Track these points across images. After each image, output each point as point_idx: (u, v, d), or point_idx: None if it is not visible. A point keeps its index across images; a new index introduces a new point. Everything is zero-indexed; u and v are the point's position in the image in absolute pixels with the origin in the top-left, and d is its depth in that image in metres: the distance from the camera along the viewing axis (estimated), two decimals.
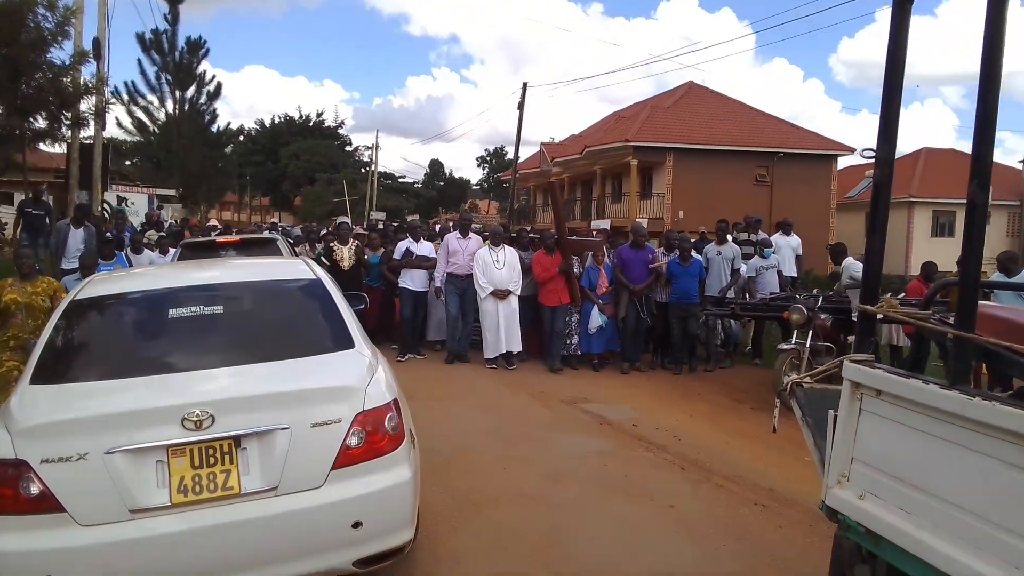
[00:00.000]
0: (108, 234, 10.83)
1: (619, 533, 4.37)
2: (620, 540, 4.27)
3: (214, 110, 32.49)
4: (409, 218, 42.16)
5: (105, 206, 18.33)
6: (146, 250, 10.58)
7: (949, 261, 9.92)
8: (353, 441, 3.04)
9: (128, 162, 33.17)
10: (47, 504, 2.69)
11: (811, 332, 7.99)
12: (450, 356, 9.55)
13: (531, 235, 11.71)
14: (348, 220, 12.06)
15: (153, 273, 4.96)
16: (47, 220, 11.49)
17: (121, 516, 2.75)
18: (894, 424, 2.47)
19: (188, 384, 3.08)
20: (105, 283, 3.97)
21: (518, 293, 9.30)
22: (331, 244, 10.22)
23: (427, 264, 9.76)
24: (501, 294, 9.18)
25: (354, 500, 3.02)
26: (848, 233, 25.51)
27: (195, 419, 2.83)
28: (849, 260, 8.66)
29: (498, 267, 9.21)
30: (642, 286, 9.38)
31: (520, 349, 9.38)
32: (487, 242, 9.63)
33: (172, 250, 10.34)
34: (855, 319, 8.13)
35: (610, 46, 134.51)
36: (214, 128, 33.91)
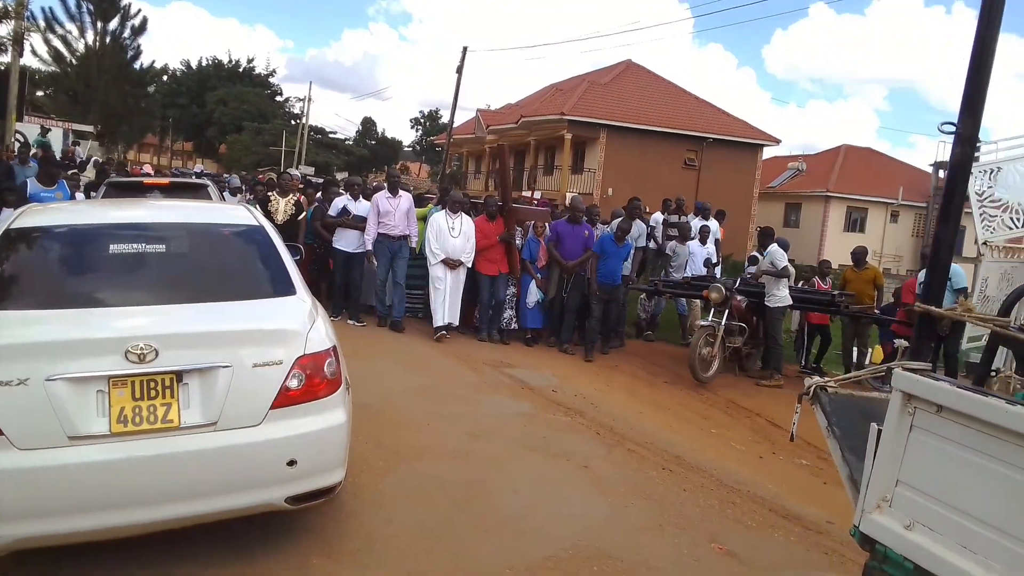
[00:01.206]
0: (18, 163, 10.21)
1: (537, 488, 4.61)
2: (538, 494, 4.51)
3: (138, 46, 31.25)
4: (339, 175, 41.50)
5: (18, 136, 17.47)
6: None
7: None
8: (293, 383, 3.15)
9: (41, 93, 31.51)
10: None
11: (727, 312, 8.41)
12: (381, 320, 9.23)
13: (475, 201, 11.32)
14: (296, 172, 11.37)
15: (91, 208, 4.88)
16: None
17: (60, 442, 2.79)
18: (959, 447, 2.19)
19: (133, 318, 3.13)
20: (42, 214, 3.92)
21: (469, 264, 8.94)
22: (268, 194, 9.65)
23: (362, 225, 9.15)
24: (452, 263, 8.81)
25: (290, 439, 3.14)
26: (766, 221, 26.52)
27: (139, 352, 2.88)
28: (774, 246, 9.00)
29: (453, 235, 8.81)
30: (575, 262, 9.12)
31: (457, 322, 9.11)
32: (444, 208, 9.23)
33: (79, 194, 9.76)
34: (767, 304, 8.66)
35: (553, 17, 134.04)
36: (137, 65, 32.58)
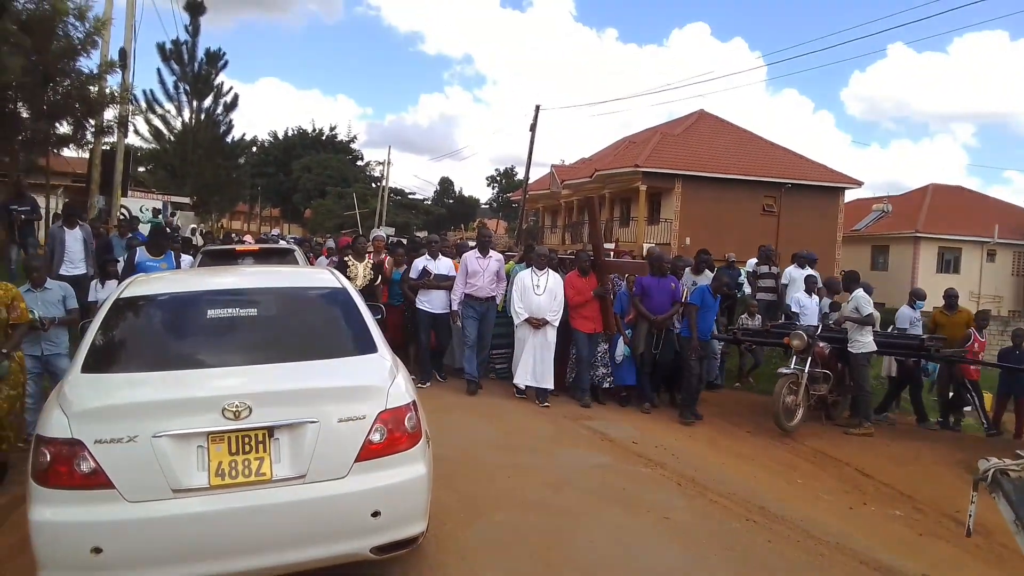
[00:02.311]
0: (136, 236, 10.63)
1: (616, 539, 4.60)
2: (617, 545, 4.51)
3: (230, 121, 32.97)
4: (418, 234, 42.56)
5: (123, 211, 18.69)
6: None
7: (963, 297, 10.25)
8: (376, 437, 3.31)
9: (142, 168, 33.64)
10: (98, 480, 2.96)
11: (810, 359, 8.24)
12: (471, 385, 8.69)
13: (562, 257, 10.86)
14: (380, 233, 11.21)
15: (190, 277, 5.25)
16: (33, 215, 11.15)
17: (164, 495, 3.02)
18: None
19: (227, 378, 3.36)
20: (146, 283, 4.26)
21: (556, 324, 8.43)
22: (345, 259, 9.36)
23: (445, 284, 8.86)
24: (536, 323, 8.34)
25: (374, 491, 3.28)
26: (853, 265, 25.77)
27: (234, 409, 3.10)
28: (859, 291, 8.79)
29: (538, 293, 8.36)
30: (663, 316, 8.65)
31: (552, 388, 8.50)
32: (531, 266, 8.74)
33: (186, 257, 10.08)
34: (850, 350, 8.44)
35: (623, 71, 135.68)
36: (229, 139, 34.40)
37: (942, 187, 39.77)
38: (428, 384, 8.74)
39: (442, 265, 9.06)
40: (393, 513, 3.34)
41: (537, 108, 31.66)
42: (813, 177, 30.64)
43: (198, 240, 16.99)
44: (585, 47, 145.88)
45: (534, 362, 8.37)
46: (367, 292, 8.57)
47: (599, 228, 9.98)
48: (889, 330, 10.09)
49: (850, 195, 33.30)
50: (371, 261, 9.32)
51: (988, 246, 35.25)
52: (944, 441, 8.69)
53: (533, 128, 31.61)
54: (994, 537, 5.52)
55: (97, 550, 2.92)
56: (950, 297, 10.03)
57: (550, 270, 8.62)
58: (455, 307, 8.73)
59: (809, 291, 10.43)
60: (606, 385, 8.93)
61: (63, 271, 8.93)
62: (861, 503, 6.13)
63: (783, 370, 8.40)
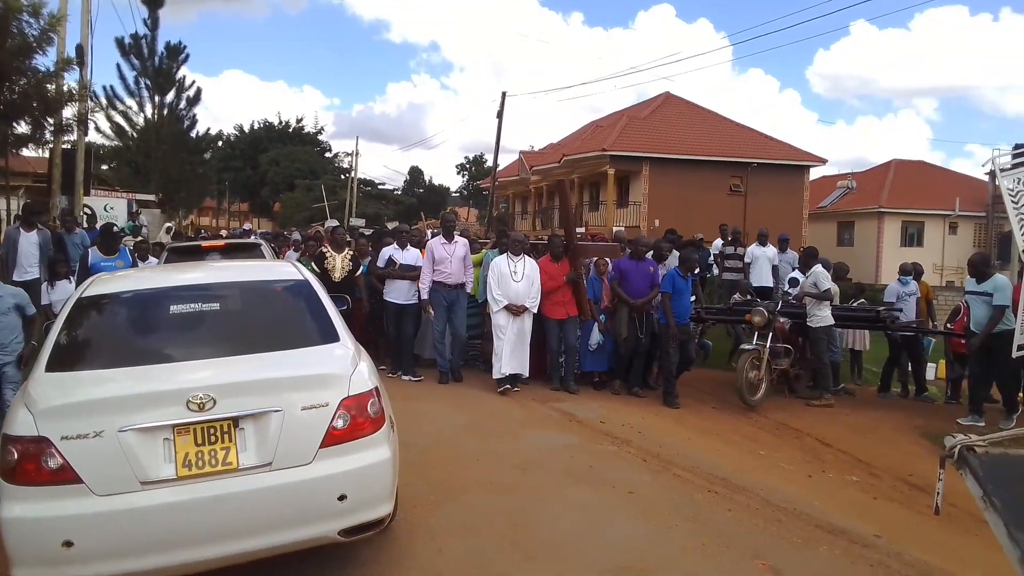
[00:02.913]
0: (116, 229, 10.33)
1: (582, 515, 4.75)
2: (583, 521, 4.65)
3: (193, 115, 32.62)
4: (389, 224, 42.41)
5: (86, 209, 18.48)
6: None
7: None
8: (339, 423, 3.41)
9: (105, 166, 33.14)
10: (66, 476, 3.02)
11: (771, 334, 8.45)
12: (443, 376, 8.66)
13: (534, 242, 10.57)
14: (339, 224, 10.88)
15: (152, 273, 5.28)
16: None
17: (132, 487, 3.09)
18: None
19: (191, 371, 3.43)
20: (108, 282, 4.30)
21: (534, 310, 8.35)
22: (322, 250, 9.02)
23: (411, 274, 8.72)
24: (516, 309, 8.20)
25: (340, 475, 3.38)
26: (818, 242, 26.24)
27: (198, 401, 3.18)
28: (818, 267, 8.99)
29: (515, 279, 8.22)
30: (643, 300, 8.57)
31: (527, 374, 8.47)
32: (504, 250, 8.64)
33: (152, 259, 9.80)
34: (809, 324, 8.66)
35: (590, 56, 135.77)
36: (193, 133, 34.01)
37: (904, 162, 40.42)
38: (395, 375, 8.65)
39: (409, 255, 8.95)
40: (359, 496, 3.44)
41: (504, 95, 31.65)
42: (778, 156, 30.99)
43: (165, 239, 16.87)
44: (551, 31, 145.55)
45: (512, 350, 8.26)
46: (346, 283, 8.56)
47: (571, 211, 9.69)
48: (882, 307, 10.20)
49: (815, 173, 33.77)
50: (349, 253, 9.05)
51: (950, 219, 35.92)
52: (902, 409, 8.97)
53: (500, 115, 31.59)
54: (945, 499, 5.75)
55: (68, 543, 2.99)
56: (906, 269, 10.27)
57: (526, 256, 8.50)
58: (424, 296, 8.55)
59: (838, 279, 10.21)
60: (577, 372, 8.79)
61: (15, 276, 8.63)
62: (820, 471, 6.35)
63: (745, 346, 8.61)
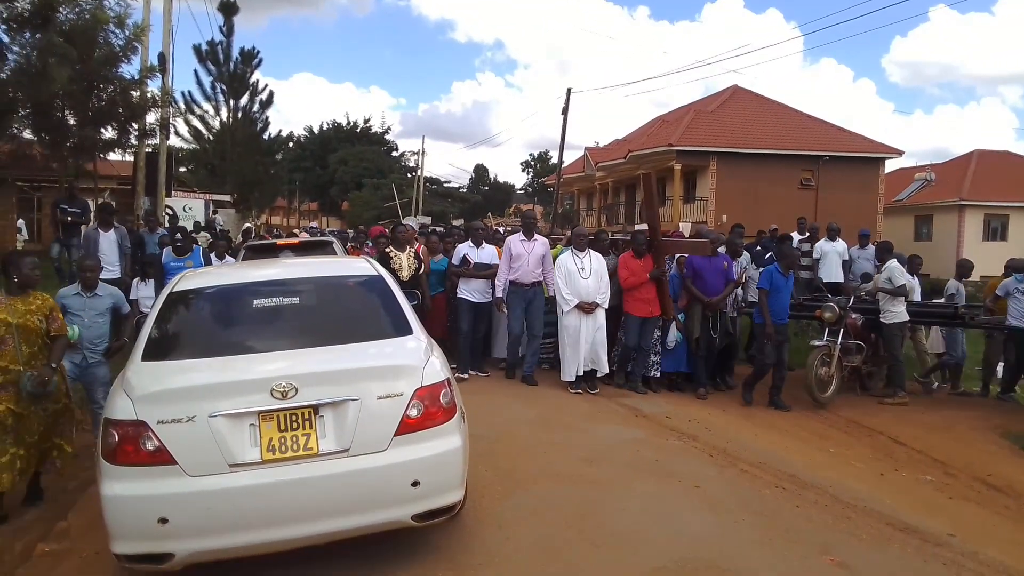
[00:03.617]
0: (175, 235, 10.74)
1: (647, 507, 4.80)
2: (648, 513, 4.71)
3: (266, 118, 33.44)
4: (455, 222, 42.87)
5: (167, 210, 19.29)
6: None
7: (1000, 266, 9.94)
8: (413, 412, 3.56)
9: (183, 169, 34.43)
10: (162, 457, 3.25)
11: (842, 330, 8.30)
12: (509, 371, 8.56)
13: (614, 239, 10.31)
14: (411, 222, 10.50)
15: (235, 270, 5.55)
16: (82, 218, 10.82)
17: (222, 469, 3.30)
18: None
19: (274, 361, 3.63)
20: (197, 277, 4.58)
21: (606, 306, 8.10)
22: (387, 250, 8.67)
23: (487, 272, 8.56)
24: (588, 307, 7.93)
25: (413, 462, 3.53)
26: (895, 236, 25.40)
27: (282, 390, 3.37)
28: (893, 262, 8.76)
29: (583, 276, 7.95)
30: (718, 298, 8.30)
31: (607, 371, 8.25)
32: (570, 247, 8.43)
33: (228, 258, 9.93)
34: (883, 320, 8.45)
35: (656, 50, 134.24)
36: (266, 135, 34.94)
37: (988, 152, 38.70)
38: (468, 375, 8.46)
39: (484, 253, 8.73)
40: (431, 483, 3.58)
41: (569, 91, 31.61)
42: (852, 148, 30.15)
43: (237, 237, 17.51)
44: (617, 26, 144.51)
45: (588, 348, 8.00)
46: (412, 282, 8.19)
47: (655, 205, 9.16)
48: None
49: (891, 165, 32.74)
50: (412, 251, 8.75)
51: None
52: (980, 408, 8.68)
53: (565, 111, 31.57)
54: None
55: (163, 520, 3.22)
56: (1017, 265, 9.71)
57: (591, 251, 8.25)
58: (499, 294, 8.36)
59: (913, 272, 9.87)
60: (655, 373, 8.53)
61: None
62: (892, 469, 6.22)
63: (816, 342, 8.46)
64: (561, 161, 34.56)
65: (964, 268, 10.05)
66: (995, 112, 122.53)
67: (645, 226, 9.36)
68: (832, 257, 11.74)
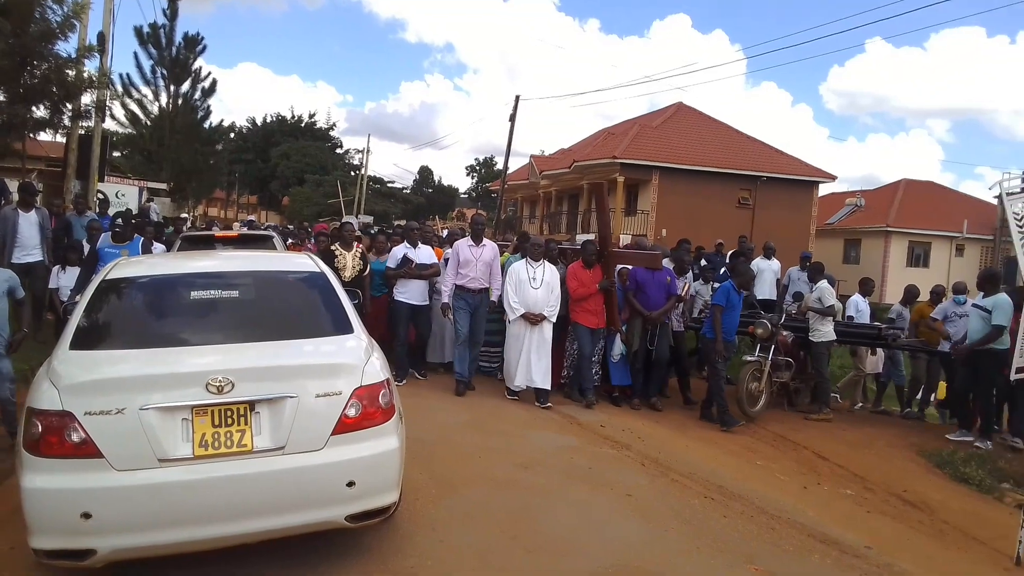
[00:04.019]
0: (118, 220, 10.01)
1: (580, 514, 4.85)
2: (580, 520, 4.76)
3: (208, 106, 32.71)
4: (396, 222, 42.56)
5: (99, 195, 18.64)
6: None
7: (924, 291, 10.49)
8: (351, 412, 3.52)
9: (117, 153, 33.33)
10: (87, 450, 3.14)
11: (773, 347, 8.54)
12: (460, 386, 8.17)
13: (563, 248, 10.10)
14: (353, 221, 10.06)
15: (173, 260, 5.40)
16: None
17: (150, 464, 3.20)
18: None
19: (211, 355, 3.55)
20: (132, 266, 4.44)
21: (554, 320, 7.97)
22: (332, 248, 8.56)
23: (427, 273, 8.42)
24: (534, 318, 7.81)
25: (349, 462, 3.49)
26: (825, 258, 26.18)
27: (218, 384, 3.30)
28: (823, 283, 9.10)
29: (534, 286, 7.82)
30: (659, 312, 8.29)
31: (549, 387, 8.01)
32: (521, 255, 8.38)
33: (158, 245, 9.70)
34: (811, 339, 8.75)
35: (604, 63, 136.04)
36: (207, 124, 34.16)
37: (914, 182, 40.47)
38: (404, 381, 8.20)
39: (422, 253, 8.53)
40: (367, 483, 3.55)
41: (517, 98, 31.84)
42: (788, 171, 31.13)
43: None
44: (567, 37, 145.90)
45: (531, 361, 7.84)
46: (355, 282, 8.12)
47: (607, 215, 9.08)
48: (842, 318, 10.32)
49: (824, 189, 33.89)
50: (358, 251, 8.65)
51: (957, 240, 35.98)
52: (898, 427, 9.05)
53: (513, 118, 31.77)
54: (937, 514, 5.88)
55: (86, 515, 3.10)
56: (938, 292, 10.11)
57: (546, 261, 8.10)
58: (446, 299, 8.22)
59: (865, 294, 10.39)
60: (596, 384, 8.44)
61: (15, 259, 8.39)
62: (815, 483, 6.44)
63: (748, 358, 8.70)
64: (506, 167, 34.75)
65: (910, 294, 10.48)
66: (922, 144, 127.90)
67: (592, 235, 9.46)
68: (767, 275, 12.06)
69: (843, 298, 10.66)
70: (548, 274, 7.96)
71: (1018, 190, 8.08)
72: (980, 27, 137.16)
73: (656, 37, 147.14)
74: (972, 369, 7.91)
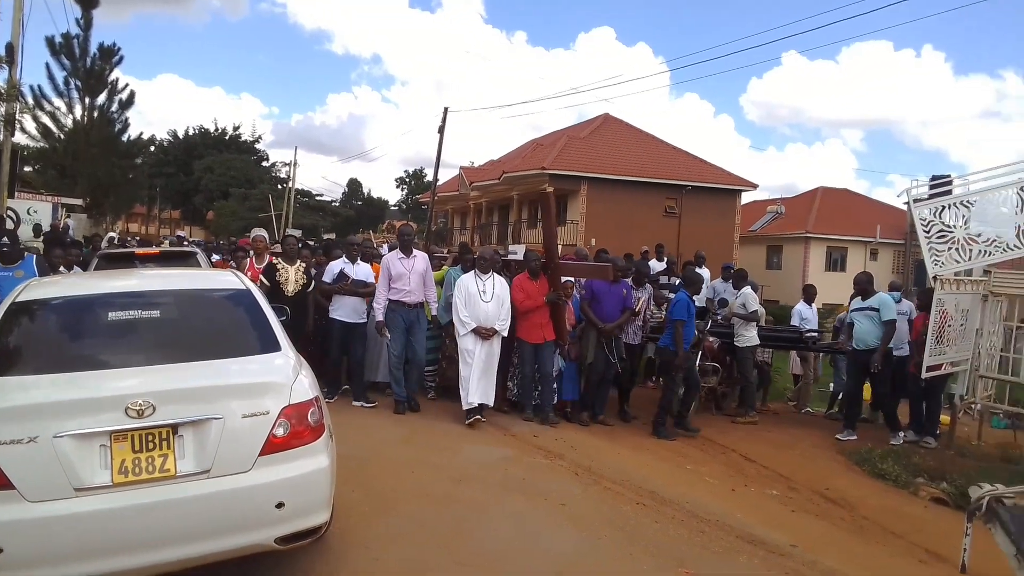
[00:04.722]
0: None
1: (515, 526, 4.87)
2: (516, 531, 4.77)
3: (126, 119, 31.59)
4: (325, 236, 41.93)
5: (9, 212, 17.84)
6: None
7: (842, 294, 10.91)
8: (279, 431, 3.45)
9: (29, 168, 31.95)
10: None
11: (700, 353, 8.74)
12: (399, 405, 7.88)
13: (506, 259, 9.62)
14: (264, 233, 9.43)
15: (90, 280, 5.20)
16: None
17: (66, 493, 3.07)
18: None
19: (130, 378, 3.42)
20: (45, 287, 4.26)
21: (505, 334, 7.67)
22: (274, 262, 8.05)
23: (366, 291, 8.01)
24: (486, 333, 7.48)
25: (278, 483, 3.42)
26: (749, 264, 27.06)
27: (138, 408, 3.19)
28: (747, 289, 9.39)
29: (485, 299, 7.50)
30: (614, 325, 8.14)
31: (492, 404, 7.76)
32: (464, 268, 8.19)
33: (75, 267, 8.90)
34: (736, 344, 8.99)
35: (532, 75, 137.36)
36: (125, 137, 33.04)
37: (830, 190, 42.18)
38: (334, 399, 7.90)
39: (360, 270, 8.19)
40: (296, 504, 3.48)
41: (446, 110, 31.85)
42: (712, 180, 31.97)
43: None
44: (495, 49, 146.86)
45: (481, 377, 7.55)
46: (300, 298, 7.80)
47: (554, 225, 8.70)
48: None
49: (747, 197, 34.93)
50: (302, 266, 8.14)
51: (871, 245, 37.59)
52: (821, 427, 9.37)
53: (442, 130, 31.77)
54: (857, 511, 6.11)
55: None
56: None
57: (495, 274, 7.81)
58: (380, 316, 7.77)
59: (808, 301, 10.58)
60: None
61: None
62: (743, 485, 6.61)
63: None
64: (436, 179, 34.68)
65: (808, 294, 10.84)
66: (838, 153, 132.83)
67: (523, 246, 9.46)
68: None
69: (770, 304, 11.00)
70: (498, 287, 7.68)
71: (925, 196, 8.49)
72: (888, 41, 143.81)
73: (582, 50, 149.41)
74: (863, 370, 8.29)
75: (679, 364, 8.00)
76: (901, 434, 8.24)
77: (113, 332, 3.84)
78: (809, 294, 10.75)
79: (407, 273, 7.77)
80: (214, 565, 3.46)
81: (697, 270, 12.21)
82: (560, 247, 22.07)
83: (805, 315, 10.31)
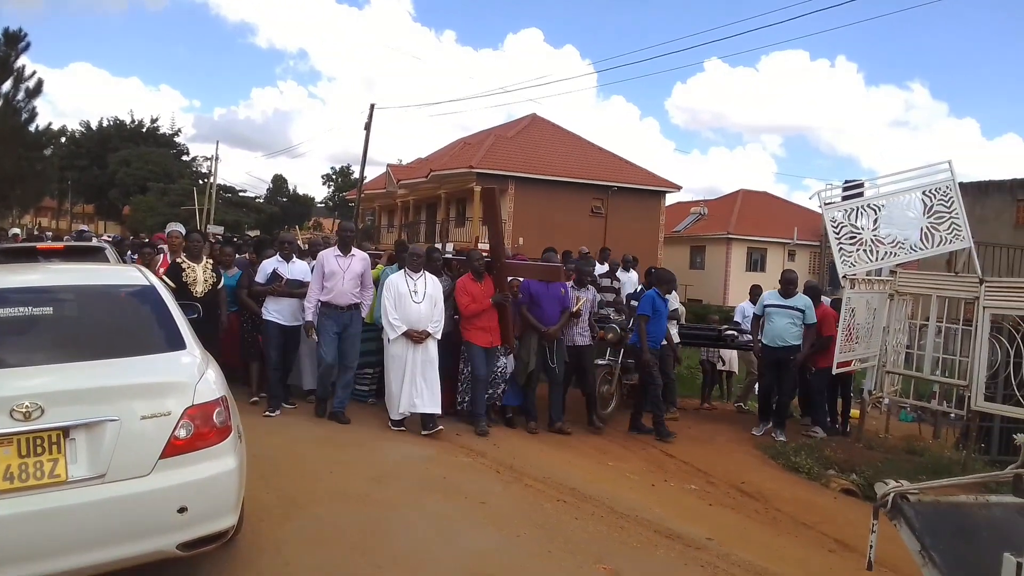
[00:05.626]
0: None
1: (435, 525, 4.79)
2: (435, 531, 4.70)
3: (33, 108, 30.10)
4: (250, 233, 40.94)
5: None
6: None
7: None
8: (182, 433, 3.29)
9: None
10: None
11: (622, 351, 8.84)
12: (320, 407, 7.42)
13: (448, 258, 9.22)
14: (181, 228, 8.67)
15: None
16: None
17: None
18: None
19: (18, 378, 3.21)
20: None
21: (439, 337, 7.16)
22: (178, 261, 7.41)
23: (301, 291, 7.43)
24: (417, 336, 6.96)
25: (180, 487, 3.26)
26: (673, 264, 27.72)
27: (24, 410, 2.99)
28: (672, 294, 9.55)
29: (416, 300, 6.98)
30: (555, 328, 7.80)
31: (439, 411, 7.11)
32: (398, 266, 7.68)
33: None
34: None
35: (461, 74, 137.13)
36: (32, 127, 31.51)
37: (751, 192, 43.50)
38: (279, 412, 7.37)
39: (296, 269, 7.69)
40: (200, 508, 3.33)
41: (372, 106, 31.43)
42: (637, 181, 32.52)
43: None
44: (424, 47, 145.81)
45: (417, 383, 6.97)
46: (211, 298, 7.07)
47: (499, 223, 8.32)
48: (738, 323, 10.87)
49: (671, 198, 35.73)
50: (209, 263, 7.47)
51: (789, 246, 38.91)
52: (738, 422, 9.60)
53: (368, 127, 31.34)
54: (771, 503, 6.27)
55: None
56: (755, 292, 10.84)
57: (427, 272, 7.28)
58: (308, 317, 7.23)
59: (753, 300, 10.50)
60: (498, 404, 8.02)
61: None
62: (663, 480, 6.70)
63: (599, 361, 8.94)
64: (363, 176, 34.24)
65: (755, 294, 11.10)
66: (758, 157, 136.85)
67: (450, 244, 9.38)
68: (627, 286, 12.46)
69: (693, 303, 11.22)
70: (430, 286, 7.15)
71: (839, 199, 8.78)
72: (804, 50, 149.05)
73: (510, 50, 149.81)
74: (775, 367, 8.53)
75: (646, 360, 8.04)
76: (763, 426, 8.68)
77: (5, 330, 3.61)
78: (755, 294, 11.00)
79: (341, 272, 7.24)
80: (114, 574, 3.29)
81: (626, 274, 12.44)
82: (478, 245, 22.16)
83: (747, 313, 10.58)
